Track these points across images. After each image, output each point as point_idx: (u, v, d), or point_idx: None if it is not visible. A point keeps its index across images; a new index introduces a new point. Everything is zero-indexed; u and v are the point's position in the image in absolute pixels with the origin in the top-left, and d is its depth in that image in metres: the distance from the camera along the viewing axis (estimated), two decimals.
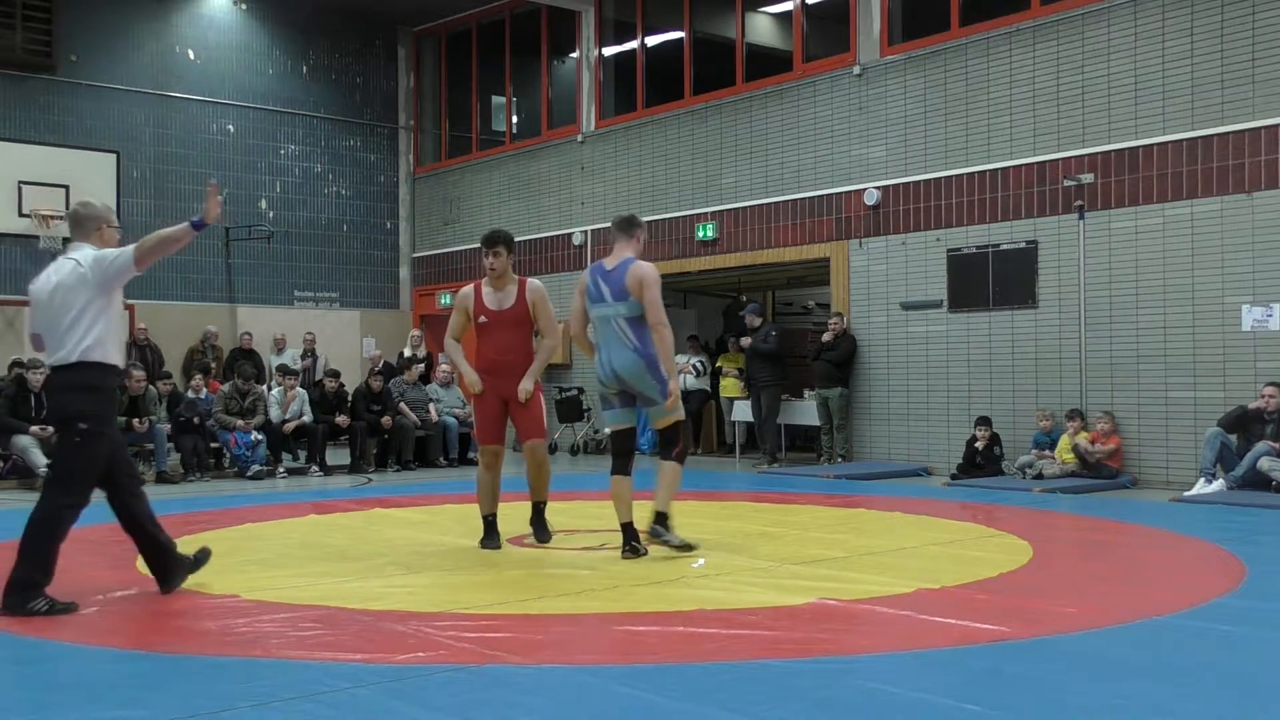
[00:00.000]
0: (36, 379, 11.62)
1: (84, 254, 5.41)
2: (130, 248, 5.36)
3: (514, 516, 8.03)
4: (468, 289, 7.20)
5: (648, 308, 6.53)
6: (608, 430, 6.77)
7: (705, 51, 15.35)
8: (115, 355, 5.40)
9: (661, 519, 6.60)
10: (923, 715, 3.64)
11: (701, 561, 6.45)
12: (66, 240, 15.24)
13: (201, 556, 5.78)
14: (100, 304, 5.34)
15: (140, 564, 6.55)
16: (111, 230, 5.59)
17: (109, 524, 8.62)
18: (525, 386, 6.97)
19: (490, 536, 7.07)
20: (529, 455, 7.12)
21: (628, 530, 6.60)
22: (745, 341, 13.81)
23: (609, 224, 7.27)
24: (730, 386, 14.84)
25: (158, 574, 5.70)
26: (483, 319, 7.05)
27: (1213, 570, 6.31)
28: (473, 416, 7.49)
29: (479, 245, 7.23)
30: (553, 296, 17.79)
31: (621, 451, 6.76)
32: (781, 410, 13.83)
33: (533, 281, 7.19)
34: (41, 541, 5.28)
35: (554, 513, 7.83)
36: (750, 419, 14.29)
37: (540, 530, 7.27)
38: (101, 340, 5.32)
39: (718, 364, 15.17)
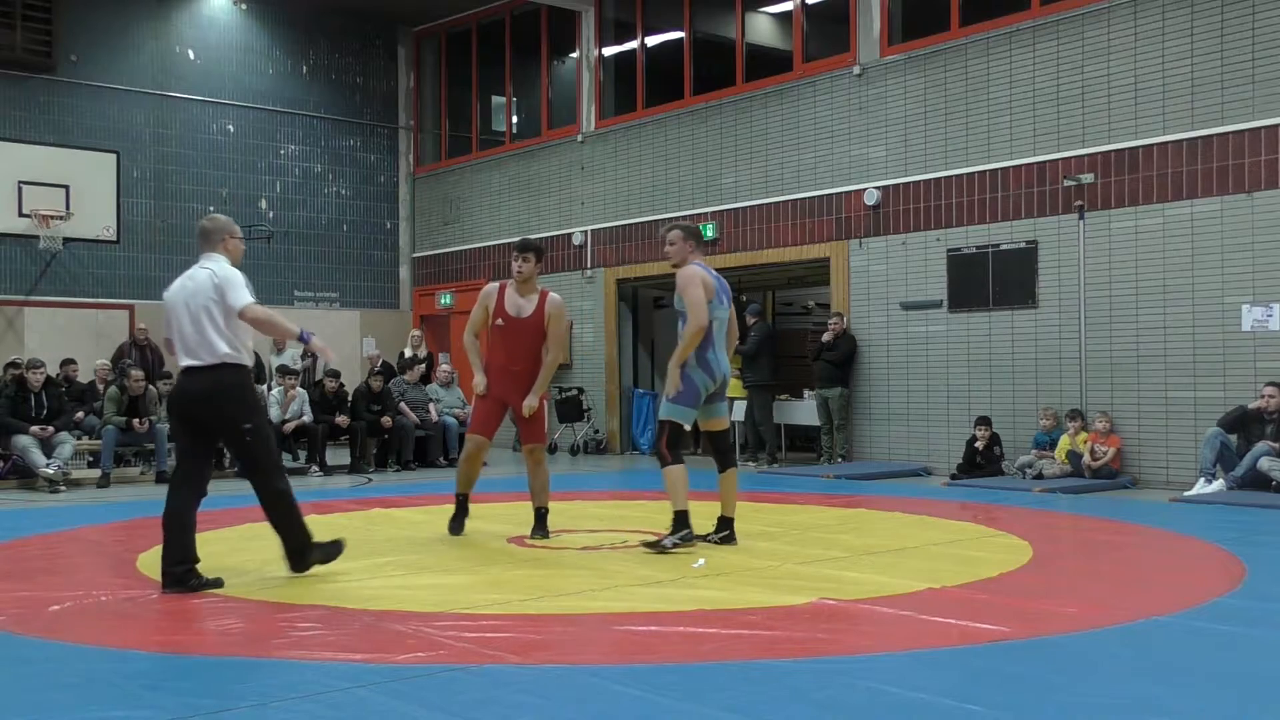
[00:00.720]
0: (36, 379, 11.62)
1: (217, 266, 5.85)
2: (248, 302, 5.75)
3: (515, 517, 8.06)
4: (493, 287, 7.36)
5: (733, 319, 7.13)
6: (686, 425, 6.89)
7: (705, 51, 15.35)
8: (244, 356, 5.85)
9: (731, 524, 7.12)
10: (923, 715, 3.64)
11: (702, 561, 6.46)
12: (67, 240, 15.39)
13: (216, 583, 5.80)
14: (227, 316, 5.78)
15: (140, 563, 6.57)
16: (235, 241, 6.04)
17: (109, 523, 8.65)
18: (530, 403, 7.20)
19: (457, 517, 7.45)
20: (529, 457, 7.39)
21: (687, 518, 6.76)
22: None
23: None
24: (733, 386, 14.84)
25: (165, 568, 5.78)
26: (499, 322, 7.23)
27: (1213, 570, 6.31)
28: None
29: (513, 249, 7.44)
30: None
31: (684, 444, 6.95)
32: (779, 410, 13.84)
33: (554, 296, 7.37)
34: (288, 515, 5.94)
35: (554, 513, 7.85)
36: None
37: (540, 533, 7.41)
38: (232, 343, 5.76)
39: None
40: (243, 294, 5.76)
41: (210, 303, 5.73)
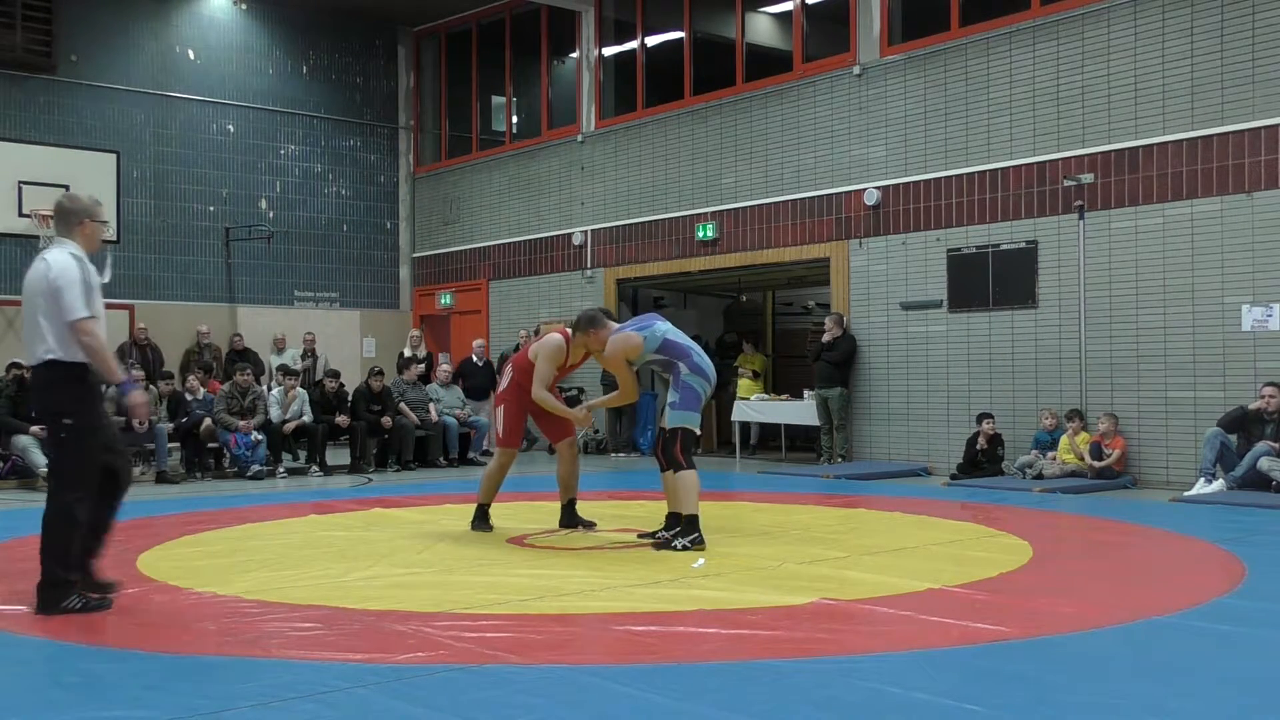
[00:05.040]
0: None
1: (55, 257, 5.24)
2: (80, 317, 5.12)
3: (516, 517, 8.06)
4: (560, 341, 7.57)
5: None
6: (697, 430, 7.12)
7: (705, 51, 15.35)
8: (79, 353, 5.18)
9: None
10: (923, 715, 3.64)
11: (702, 561, 6.46)
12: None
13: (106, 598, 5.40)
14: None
15: (140, 563, 6.57)
16: (96, 225, 5.43)
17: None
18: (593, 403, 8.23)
19: (487, 520, 7.76)
20: (568, 450, 7.76)
21: (698, 522, 6.87)
22: None
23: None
24: (745, 387, 14.99)
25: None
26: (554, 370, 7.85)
27: (1213, 570, 6.31)
28: (492, 419, 7.90)
29: (584, 326, 7.36)
30: (552, 297, 17.75)
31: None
32: (779, 410, 13.93)
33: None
34: (56, 538, 5.22)
35: (551, 513, 7.88)
36: (750, 419, 14.44)
37: (583, 521, 7.83)
38: (63, 339, 5.16)
39: (735, 364, 15.31)
40: (75, 309, 5.11)
41: (40, 300, 5.18)
